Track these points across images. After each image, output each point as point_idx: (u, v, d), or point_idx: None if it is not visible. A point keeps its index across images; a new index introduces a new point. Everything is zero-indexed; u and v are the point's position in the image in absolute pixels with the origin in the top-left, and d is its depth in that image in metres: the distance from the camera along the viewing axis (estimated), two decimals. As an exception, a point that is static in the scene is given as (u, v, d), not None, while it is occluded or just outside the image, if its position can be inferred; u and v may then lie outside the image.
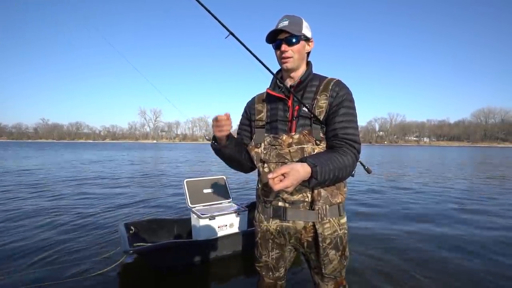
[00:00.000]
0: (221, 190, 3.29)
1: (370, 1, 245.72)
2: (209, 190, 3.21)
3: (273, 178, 0.92)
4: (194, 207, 3.02)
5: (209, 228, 2.86)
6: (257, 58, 1.20)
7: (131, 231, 2.80)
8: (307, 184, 1.02)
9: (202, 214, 2.84)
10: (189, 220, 3.20)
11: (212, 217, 2.83)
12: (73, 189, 6.79)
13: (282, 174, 0.93)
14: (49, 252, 2.95)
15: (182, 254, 2.67)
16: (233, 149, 1.28)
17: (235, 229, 3.03)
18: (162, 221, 3.27)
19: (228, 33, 1.18)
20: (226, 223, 2.96)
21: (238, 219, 3.05)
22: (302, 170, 0.97)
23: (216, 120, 1.15)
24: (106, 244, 3.21)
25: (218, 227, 2.90)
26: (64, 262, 2.73)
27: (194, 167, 13.31)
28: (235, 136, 1.39)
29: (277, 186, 0.92)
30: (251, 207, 3.29)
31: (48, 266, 2.63)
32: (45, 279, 2.39)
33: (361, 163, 1.33)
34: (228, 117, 1.14)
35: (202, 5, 1.13)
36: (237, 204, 3.33)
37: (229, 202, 3.28)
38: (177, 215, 4.38)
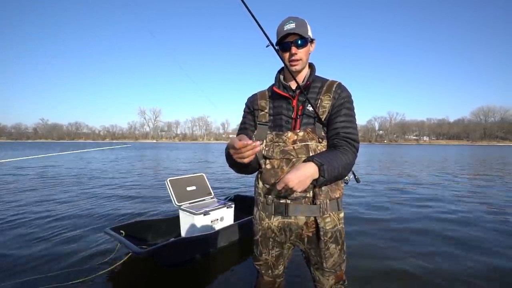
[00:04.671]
0: (202, 187, 3.44)
1: (370, 0, 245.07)
2: (192, 188, 3.34)
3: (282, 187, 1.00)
4: (181, 205, 3.11)
5: (204, 223, 2.97)
6: (285, 64, 1.24)
7: (121, 235, 2.78)
8: (315, 182, 1.06)
9: (197, 211, 2.94)
10: (174, 218, 3.29)
11: (206, 213, 2.95)
12: (71, 188, 6.98)
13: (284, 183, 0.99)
14: (43, 255, 2.92)
15: (190, 250, 2.77)
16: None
17: (226, 222, 3.18)
18: (147, 222, 3.26)
19: (268, 43, 1.18)
20: (218, 217, 3.11)
21: (227, 212, 3.23)
22: (306, 168, 1.02)
23: (233, 148, 0.98)
24: (95, 248, 3.11)
25: (211, 221, 3.03)
26: (57, 265, 2.69)
27: (177, 165, 13.50)
28: (240, 133, 1.38)
29: (278, 187, 1.00)
30: (235, 201, 3.50)
31: (41, 273, 2.56)
32: (44, 283, 2.37)
33: (352, 172, 1.38)
34: (252, 146, 0.95)
35: (249, 11, 1.11)
36: (220, 199, 3.51)
37: (211, 198, 3.44)
38: (161, 215, 4.31)
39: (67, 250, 3.05)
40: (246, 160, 0.99)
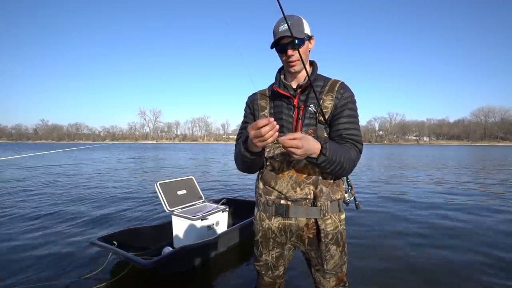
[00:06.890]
0: (193, 191, 3.36)
1: (370, 0, 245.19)
2: (183, 192, 3.24)
3: (286, 139, 0.96)
4: (174, 210, 2.99)
5: (201, 229, 2.88)
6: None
7: (114, 244, 2.62)
8: (315, 160, 1.05)
9: (193, 216, 2.85)
10: (164, 225, 3.20)
11: (204, 218, 2.87)
12: (67, 191, 6.98)
13: (294, 138, 0.96)
14: (28, 266, 2.75)
15: (195, 257, 2.67)
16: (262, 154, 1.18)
17: (222, 226, 3.13)
18: (137, 230, 3.07)
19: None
20: (214, 221, 3.05)
21: (222, 217, 3.17)
22: (313, 141, 1.01)
23: (257, 128, 0.93)
24: (82, 259, 2.91)
25: (208, 226, 2.95)
26: (43, 280, 2.50)
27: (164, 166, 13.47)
28: (241, 132, 1.36)
29: (288, 142, 0.95)
30: (228, 204, 3.46)
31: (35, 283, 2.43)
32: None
33: (354, 198, 1.37)
34: (272, 126, 0.92)
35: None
36: (212, 203, 3.42)
37: (203, 202, 3.37)
38: (149, 222, 4.14)
39: (51, 262, 2.83)
40: (269, 141, 0.95)
